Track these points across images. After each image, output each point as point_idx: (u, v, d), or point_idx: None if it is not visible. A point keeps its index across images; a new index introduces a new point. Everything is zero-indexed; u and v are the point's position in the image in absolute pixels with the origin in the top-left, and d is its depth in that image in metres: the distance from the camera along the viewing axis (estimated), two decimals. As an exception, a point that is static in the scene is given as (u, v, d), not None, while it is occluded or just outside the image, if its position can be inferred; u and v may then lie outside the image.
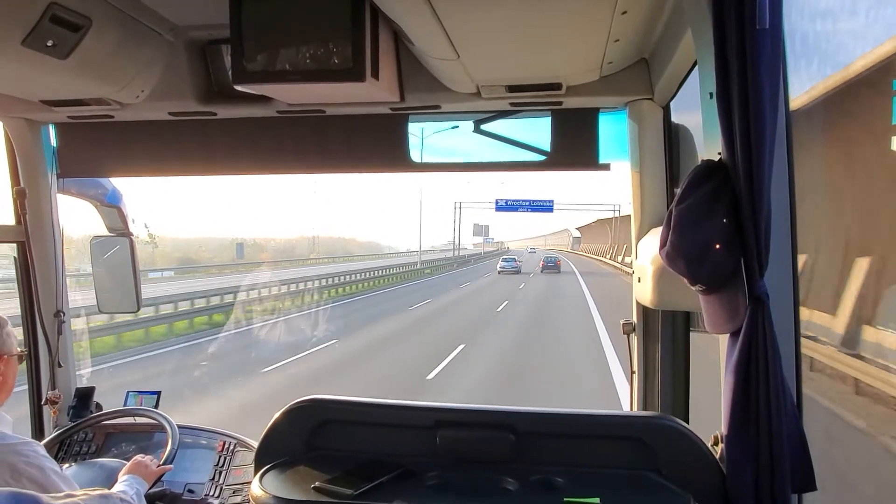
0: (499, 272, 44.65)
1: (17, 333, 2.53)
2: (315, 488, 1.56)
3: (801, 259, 1.47)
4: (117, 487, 1.91)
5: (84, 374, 3.48)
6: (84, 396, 2.58)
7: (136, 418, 2.49)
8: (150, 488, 2.01)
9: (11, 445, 1.63)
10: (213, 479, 2.36)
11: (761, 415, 1.32)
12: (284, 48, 1.68)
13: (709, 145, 1.45)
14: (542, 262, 50.52)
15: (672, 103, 2.15)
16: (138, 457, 2.07)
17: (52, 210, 2.54)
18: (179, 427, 2.32)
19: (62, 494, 1.47)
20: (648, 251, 1.94)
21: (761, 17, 1.22)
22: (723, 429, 1.42)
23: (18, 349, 1.86)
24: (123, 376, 11.42)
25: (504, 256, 53.66)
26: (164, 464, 2.13)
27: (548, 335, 17.78)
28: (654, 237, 1.69)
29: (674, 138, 2.19)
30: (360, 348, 15.80)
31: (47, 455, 1.68)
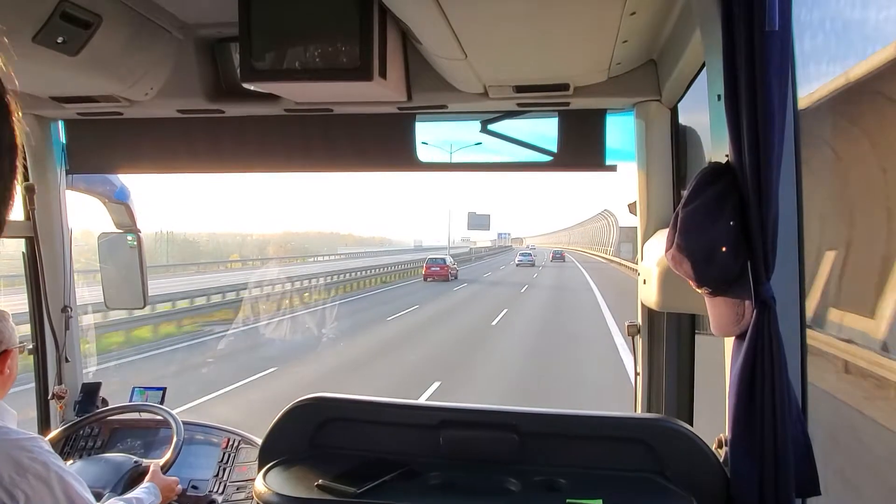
0: (517, 265, 53.19)
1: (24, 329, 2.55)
2: (318, 486, 1.56)
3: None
4: (136, 493, 1.95)
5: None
6: (90, 392, 2.59)
7: (142, 414, 2.51)
8: None
9: (17, 441, 1.64)
10: (217, 475, 2.37)
11: (766, 418, 1.32)
12: (293, 46, 1.69)
13: (716, 147, 1.44)
14: (550, 255, 68.33)
15: (680, 105, 2.14)
16: (170, 478, 2.10)
17: (60, 206, 2.56)
18: (184, 423, 2.33)
19: None
20: (654, 253, 1.94)
21: (770, 19, 1.22)
22: (727, 432, 1.42)
23: (20, 343, 1.87)
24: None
25: (521, 252, 65.17)
26: (169, 458, 2.18)
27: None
28: (661, 239, 1.69)
29: (681, 140, 2.18)
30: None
31: (53, 451, 1.69)
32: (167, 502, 2.05)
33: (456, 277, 36.17)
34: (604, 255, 62.36)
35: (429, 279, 34.91)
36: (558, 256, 65.23)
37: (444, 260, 36.97)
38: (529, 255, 57.81)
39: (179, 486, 2.12)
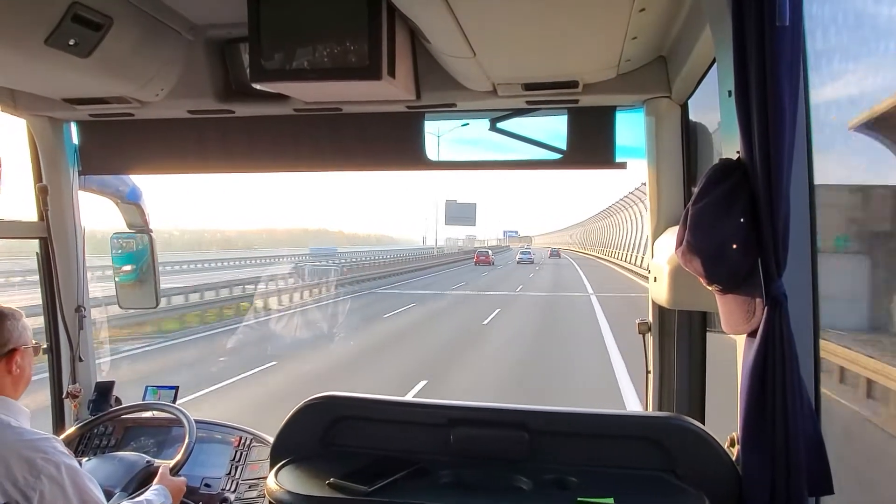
0: (518, 262, 57.56)
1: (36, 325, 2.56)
2: (330, 484, 1.57)
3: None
4: (146, 495, 1.98)
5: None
6: (104, 390, 2.62)
7: (155, 413, 2.53)
8: None
9: (31, 441, 1.65)
10: (230, 473, 2.38)
11: (778, 416, 1.31)
12: (302, 46, 1.69)
13: (727, 144, 1.43)
14: (549, 253, 77.63)
15: (690, 101, 2.13)
16: (178, 479, 2.13)
17: (73, 206, 2.58)
18: (196, 422, 2.35)
19: None
20: (665, 250, 1.93)
21: (781, 14, 1.21)
22: (739, 430, 1.41)
23: (34, 341, 1.88)
24: None
25: (521, 250, 68.57)
26: (182, 456, 2.20)
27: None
28: (671, 236, 1.68)
29: (691, 136, 2.17)
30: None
31: (66, 452, 1.70)
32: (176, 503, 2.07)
33: (493, 263, 53.52)
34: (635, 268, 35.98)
35: (478, 264, 51.50)
36: (555, 253, 79.06)
37: (488, 252, 58.10)
38: (529, 252, 63.94)
39: (185, 487, 2.14)
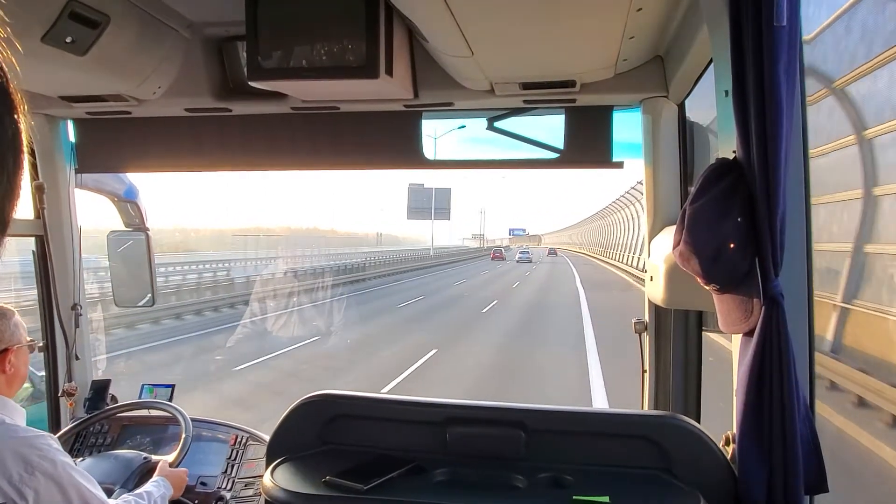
0: (517, 261, 63.37)
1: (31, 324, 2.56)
2: (326, 482, 1.57)
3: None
4: (146, 487, 1.98)
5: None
6: (100, 389, 2.61)
7: (151, 411, 2.52)
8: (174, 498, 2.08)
9: (26, 438, 1.65)
10: (226, 471, 2.38)
11: (774, 415, 1.32)
12: (299, 45, 1.69)
13: (724, 143, 1.44)
14: (547, 251, 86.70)
15: (687, 101, 2.13)
16: (179, 470, 2.14)
17: (70, 205, 2.57)
18: (193, 420, 2.35)
19: None
20: (662, 250, 1.93)
21: (778, 15, 1.21)
22: (734, 429, 1.42)
23: (28, 339, 1.88)
24: None
25: (520, 250, 74.14)
26: (178, 455, 2.21)
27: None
28: (668, 236, 1.68)
29: (688, 136, 2.17)
30: None
31: (61, 449, 1.69)
32: (178, 494, 2.07)
33: (504, 258, 65.83)
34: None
35: (493, 259, 63.79)
36: (552, 252, 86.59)
37: (501, 250, 70.67)
38: (528, 252, 69.76)
39: (186, 478, 2.16)
